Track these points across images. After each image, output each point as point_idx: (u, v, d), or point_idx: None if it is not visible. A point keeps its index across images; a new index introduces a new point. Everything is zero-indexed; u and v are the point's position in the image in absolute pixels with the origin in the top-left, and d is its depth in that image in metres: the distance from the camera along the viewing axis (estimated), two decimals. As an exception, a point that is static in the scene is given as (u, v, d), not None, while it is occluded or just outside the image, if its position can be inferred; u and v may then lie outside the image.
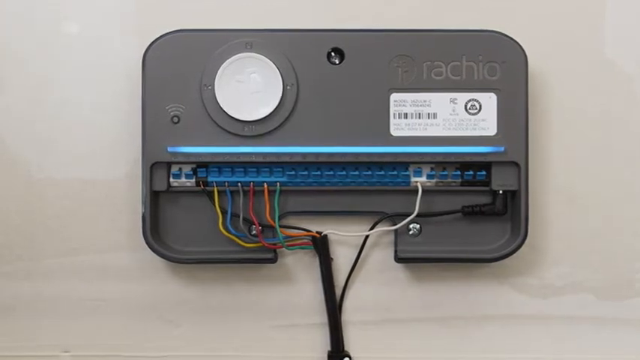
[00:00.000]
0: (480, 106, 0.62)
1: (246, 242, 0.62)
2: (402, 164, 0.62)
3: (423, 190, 0.62)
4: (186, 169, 0.62)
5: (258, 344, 0.66)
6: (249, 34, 0.61)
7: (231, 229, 0.62)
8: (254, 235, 0.62)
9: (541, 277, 0.66)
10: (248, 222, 0.62)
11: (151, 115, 0.61)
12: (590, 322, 0.66)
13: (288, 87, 0.61)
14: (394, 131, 0.61)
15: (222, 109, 0.61)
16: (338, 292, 0.65)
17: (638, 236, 0.65)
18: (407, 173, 0.62)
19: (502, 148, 0.61)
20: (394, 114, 0.62)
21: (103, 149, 0.65)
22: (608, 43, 0.65)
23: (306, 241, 0.64)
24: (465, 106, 0.62)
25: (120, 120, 0.64)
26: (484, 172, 0.62)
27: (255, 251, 0.63)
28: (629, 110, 0.65)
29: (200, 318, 0.66)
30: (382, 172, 0.62)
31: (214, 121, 0.61)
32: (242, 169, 0.62)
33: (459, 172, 0.63)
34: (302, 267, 0.65)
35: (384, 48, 0.61)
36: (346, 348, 0.66)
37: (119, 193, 0.65)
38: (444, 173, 0.62)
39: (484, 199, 0.63)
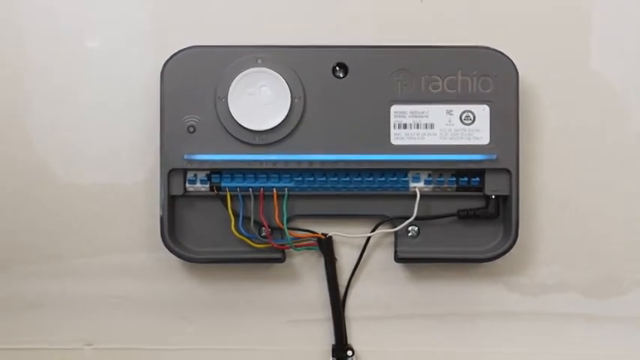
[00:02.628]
0: (474, 117, 0.63)
1: (256, 243, 0.63)
2: (401, 171, 0.63)
3: (421, 195, 0.63)
4: (201, 175, 0.63)
5: (266, 339, 0.67)
6: (260, 50, 0.62)
7: (242, 230, 0.63)
8: (264, 237, 0.64)
9: (532, 276, 0.66)
10: (258, 224, 0.63)
11: (169, 125, 0.62)
12: (578, 319, 0.67)
13: (296, 99, 0.62)
14: (394, 140, 0.63)
15: (234, 119, 0.62)
16: (342, 289, 0.66)
17: (624, 238, 0.66)
18: (406, 179, 0.64)
19: (494, 156, 0.62)
20: (394, 124, 0.63)
21: (124, 156, 0.65)
22: (594, 56, 0.66)
23: (312, 242, 0.65)
24: (460, 117, 0.63)
25: (139, 129, 0.65)
26: (478, 179, 0.63)
27: (265, 251, 0.64)
28: (614, 119, 0.66)
29: (213, 314, 0.67)
30: (383, 178, 0.63)
31: (227, 131, 0.62)
32: (253, 176, 0.63)
33: (454, 179, 0.64)
34: (308, 266, 0.66)
35: (385, 63, 0.62)
36: (349, 342, 0.66)
37: (139, 197, 0.65)
38: (440, 179, 0.63)
39: (478, 204, 0.64)
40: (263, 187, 0.63)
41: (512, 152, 0.63)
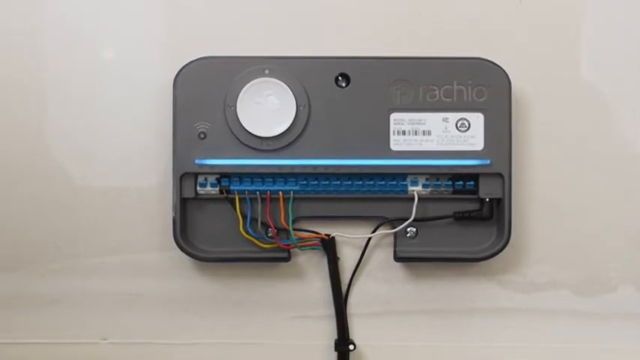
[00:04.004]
0: (469, 125, 0.64)
1: (263, 243, 0.64)
2: (400, 175, 0.64)
3: (419, 198, 0.64)
4: (212, 179, 0.64)
5: (273, 333, 0.68)
6: (267, 61, 0.63)
7: (250, 231, 0.64)
8: (270, 237, 0.65)
9: (524, 274, 0.67)
10: (265, 225, 0.65)
11: (181, 131, 0.63)
12: (567, 315, 0.68)
13: (301, 107, 0.63)
14: (394, 146, 0.64)
15: (243, 126, 0.63)
16: (344, 287, 0.67)
17: (610, 239, 0.67)
18: (405, 183, 0.65)
19: (488, 161, 0.63)
20: (394, 131, 0.64)
21: (138, 161, 0.66)
22: (583, 67, 0.66)
23: (316, 242, 0.66)
24: (456, 125, 0.64)
25: (153, 135, 0.66)
26: (473, 182, 0.64)
27: (271, 251, 0.65)
28: (602, 127, 0.66)
29: (222, 310, 0.68)
30: (383, 182, 0.64)
31: (236, 137, 0.63)
32: (260, 179, 0.64)
33: (450, 182, 0.65)
34: (312, 265, 0.67)
35: (385, 73, 0.63)
36: (351, 337, 0.68)
37: (152, 199, 0.66)
38: (437, 183, 0.64)
39: (473, 206, 0.65)
40: (270, 190, 0.64)
41: (505, 157, 0.64)
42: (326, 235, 0.66)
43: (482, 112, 0.64)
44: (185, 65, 0.64)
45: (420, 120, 0.64)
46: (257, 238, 0.65)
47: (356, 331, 0.68)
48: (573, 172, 0.67)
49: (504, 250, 0.65)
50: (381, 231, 0.66)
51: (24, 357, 0.68)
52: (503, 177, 0.64)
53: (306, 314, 0.68)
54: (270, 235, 0.65)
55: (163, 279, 0.68)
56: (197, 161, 0.64)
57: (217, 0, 0.66)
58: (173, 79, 0.64)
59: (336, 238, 0.66)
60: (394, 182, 0.65)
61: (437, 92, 0.64)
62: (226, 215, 0.65)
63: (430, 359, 0.68)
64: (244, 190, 0.65)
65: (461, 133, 0.64)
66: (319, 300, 0.68)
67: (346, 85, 0.64)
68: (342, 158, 0.64)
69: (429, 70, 0.64)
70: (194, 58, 0.64)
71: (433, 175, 0.65)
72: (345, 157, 0.64)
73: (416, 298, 0.68)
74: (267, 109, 0.63)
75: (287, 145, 0.64)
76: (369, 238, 0.67)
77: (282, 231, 0.65)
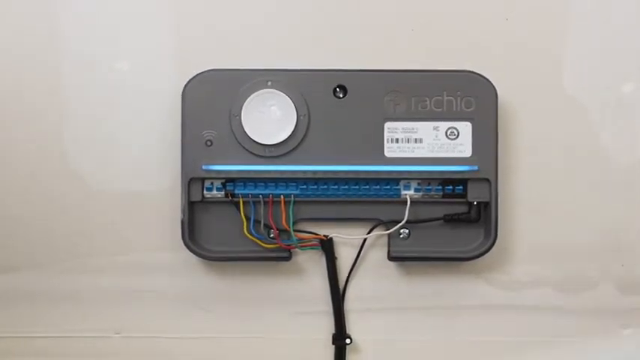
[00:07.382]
0: (458, 133, 0.65)
1: (265, 244, 0.65)
2: (393, 180, 0.66)
3: (411, 202, 0.65)
4: (217, 183, 0.66)
5: (275, 328, 0.69)
6: (270, 74, 0.65)
7: (253, 232, 0.65)
8: (272, 238, 0.66)
9: (509, 273, 0.68)
10: (267, 227, 0.66)
11: (189, 139, 0.64)
12: (550, 311, 0.68)
13: (301, 117, 0.64)
14: (387, 153, 0.65)
15: (247, 134, 0.64)
16: (341, 285, 0.68)
17: (590, 240, 0.68)
18: (398, 187, 0.66)
19: (476, 167, 0.65)
20: (387, 139, 0.65)
21: (149, 166, 0.67)
22: (566, 79, 0.67)
23: (315, 242, 0.67)
24: (446, 133, 0.65)
25: (163, 142, 0.67)
26: (461, 187, 0.65)
27: (273, 251, 0.66)
28: (582, 135, 0.68)
29: (227, 306, 0.68)
30: (378, 186, 0.66)
31: (241, 145, 0.64)
32: (263, 184, 0.65)
33: (440, 187, 0.66)
34: (312, 264, 0.68)
35: (379, 85, 0.64)
36: (348, 331, 0.69)
37: (162, 202, 0.67)
38: (428, 187, 0.66)
39: (461, 209, 0.66)
40: (272, 194, 0.65)
41: (492, 164, 0.65)
42: (324, 235, 0.67)
43: (471, 122, 0.65)
44: (193, 77, 0.65)
45: (413, 129, 0.65)
46: (260, 239, 0.66)
47: (352, 326, 0.69)
48: (556, 177, 0.68)
49: (491, 250, 0.66)
50: (376, 232, 0.67)
51: (41, 350, 0.69)
52: (490, 182, 0.65)
53: (306, 310, 0.69)
54: (272, 236, 0.66)
55: (172, 277, 0.69)
56: (204, 167, 0.65)
57: (224, 17, 0.68)
58: (182, 89, 0.65)
59: (334, 238, 0.68)
60: (388, 187, 0.66)
61: (428, 103, 0.65)
62: (231, 217, 0.66)
63: (421, 352, 0.69)
64: (248, 194, 0.66)
65: (450, 141, 0.65)
66: (318, 297, 0.69)
67: (343, 96, 0.65)
68: (339, 164, 0.65)
69: (421, 82, 0.65)
70: (202, 71, 0.65)
71: (424, 180, 0.66)
72: (342, 163, 0.65)
73: (408, 295, 0.69)
74: (269, 119, 0.64)
75: (288, 152, 0.65)
76: (365, 239, 0.68)
77: (283, 232, 0.66)
